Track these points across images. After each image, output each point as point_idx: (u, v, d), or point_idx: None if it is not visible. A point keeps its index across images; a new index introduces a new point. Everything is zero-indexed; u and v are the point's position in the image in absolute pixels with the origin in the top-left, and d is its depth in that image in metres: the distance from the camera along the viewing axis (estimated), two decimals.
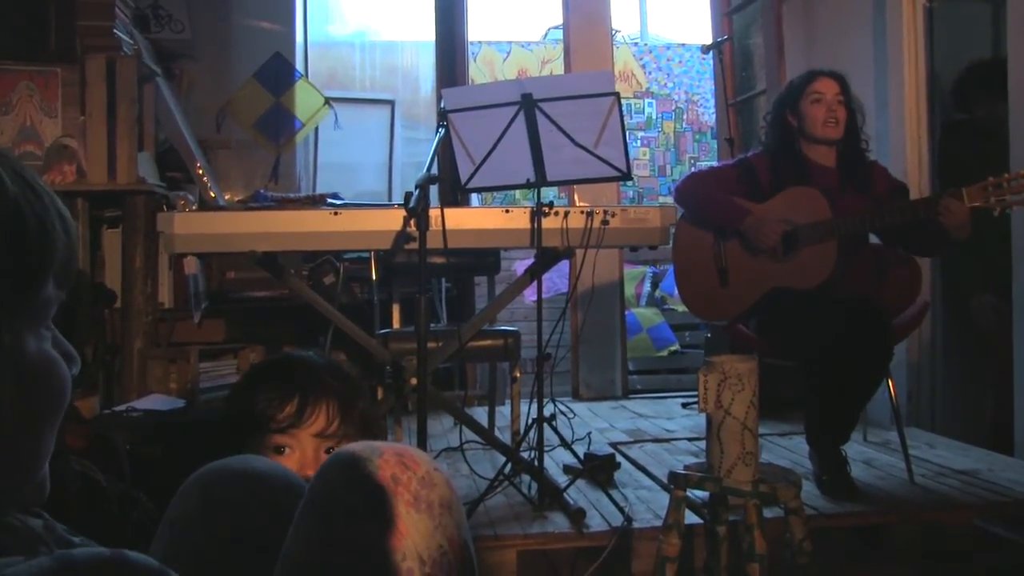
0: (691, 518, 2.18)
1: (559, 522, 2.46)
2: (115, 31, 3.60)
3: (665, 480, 2.39)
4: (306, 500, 0.94)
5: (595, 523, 2.45)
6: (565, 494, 2.58)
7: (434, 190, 3.25)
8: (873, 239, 3.10)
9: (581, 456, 2.89)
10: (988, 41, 3.77)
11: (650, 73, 8.93)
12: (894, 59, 3.84)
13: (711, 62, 5.56)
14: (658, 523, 2.27)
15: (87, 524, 0.72)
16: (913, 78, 3.80)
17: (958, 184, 2.71)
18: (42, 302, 0.68)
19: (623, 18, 9.34)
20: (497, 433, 3.24)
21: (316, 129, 5.03)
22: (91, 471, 2.01)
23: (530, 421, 2.70)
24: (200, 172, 4.01)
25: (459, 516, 0.96)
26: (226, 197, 4.32)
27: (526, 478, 2.71)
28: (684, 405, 4.35)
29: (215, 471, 1.13)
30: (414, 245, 2.40)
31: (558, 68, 8.01)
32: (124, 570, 0.55)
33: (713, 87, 6.01)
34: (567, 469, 2.98)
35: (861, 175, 3.00)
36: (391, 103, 6.74)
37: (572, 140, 2.57)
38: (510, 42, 8.74)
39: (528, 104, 2.56)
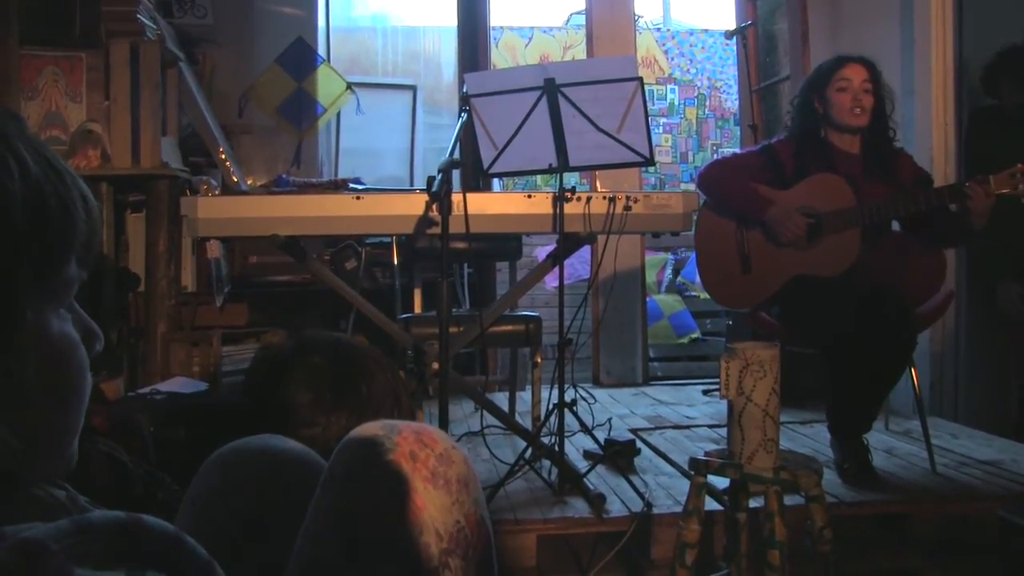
0: (711, 505, 2.17)
1: (579, 507, 2.47)
2: (139, 16, 3.62)
3: (685, 466, 2.39)
4: (326, 476, 0.95)
5: (615, 509, 2.45)
6: (585, 479, 2.58)
7: (456, 175, 3.25)
8: (897, 227, 3.07)
9: (601, 442, 2.90)
10: (1020, 26, 3.71)
11: (673, 59, 8.87)
12: (921, 45, 3.79)
13: (734, 48, 5.52)
14: (678, 509, 2.27)
15: (113, 504, 0.72)
16: (941, 64, 3.75)
17: (985, 172, 2.68)
18: (64, 281, 0.68)
19: (645, 3, 9.29)
20: (518, 418, 3.24)
21: (338, 114, 5.04)
22: (117, 452, 2.03)
23: (551, 407, 2.70)
24: (223, 157, 4.02)
25: (476, 493, 0.97)
26: (248, 182, 4.34)
27: (546, 463, 2.72)
28: (705, 392, 4.34)
29: (235, 450, 1.15)
30: (436, 230, 2.40)
31: (580, 54, 7.98)
32: (140, 532, 0.56)
33: (736, 73, 5.97)
34: (587, 455, 2.98)
35: (886, 163, 2.97)
36: (413, 88, 6.75)
37: (595, 125, 2.56)
38: (532, 27, 8.70)
39: (551, 89, 2.55)
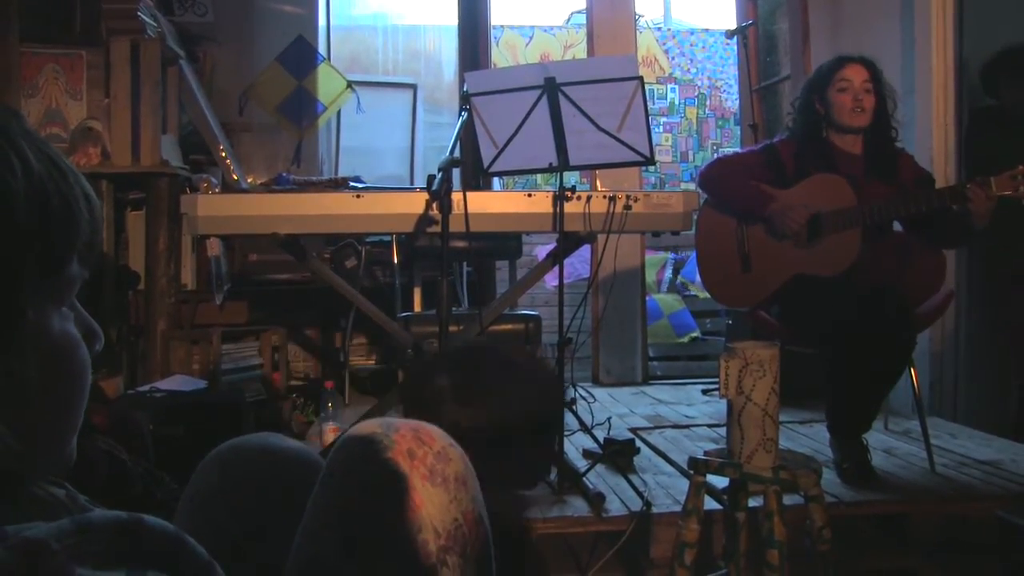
0: (710, 504, 2.17)
1: (578, 506, 2.46)
2: (139, 14, 3.62)
3: (685, 466, 2.39)
4: (324, 474, 0.95)
5: (614, 508, 2.45)
6: (585, 478, 2.58)
7: (456, 174, 3.24)
8: (897, 227, 3.07)
9: (601, 441, 2.90)
10: (1020, 26, 3.70)
11: (673, 58, 8.86)
12: (922, 45, 3.79)
13: (735, 47, 5.52)
14: (677, 508, 2.27)
15: (112, 503, 0.73)
16: (941, 64, 3.75)
17: (985, 172, 2.68)
18: (66, 280, 0.68)
19: (646, 3, 9.29)
20: None
21: (338, 113, 5.03)
22: (116, 450, 2.04)
23: None
24: (223, 155, 4.02)
25: (474, 491, 0.97)
26: (248, 180, 4.33)
27: None
28: (705, 391, 4.34)
29: (233, 448, 1.15)
30: (436, 228, 2.40)
31: (581, 53, 7.97)
32: (141, 532, 0.56)
33: (736, 73, 5.97)
34: (587, 454, 2.98)
35: (888, 163, 2.97)
36: (413, 87, 6.74)
37: (595, 124, 2.56)
38: (532, 26, 8.69)
39: (551, 88, 2.55)
